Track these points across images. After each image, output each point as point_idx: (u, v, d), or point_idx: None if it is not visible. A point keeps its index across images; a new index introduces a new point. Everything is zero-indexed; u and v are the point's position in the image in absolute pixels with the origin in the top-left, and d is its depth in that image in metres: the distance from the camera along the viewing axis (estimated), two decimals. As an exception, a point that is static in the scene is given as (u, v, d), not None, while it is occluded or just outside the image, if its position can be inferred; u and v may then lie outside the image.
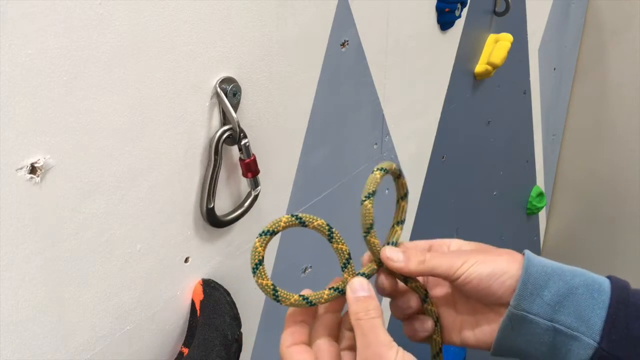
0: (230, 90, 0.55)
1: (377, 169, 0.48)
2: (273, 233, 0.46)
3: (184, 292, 0.59)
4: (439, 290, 0.53)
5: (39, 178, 0.43)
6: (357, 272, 0.48)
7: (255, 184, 0.61)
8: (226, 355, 0.55)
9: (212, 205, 0.57)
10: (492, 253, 0.50)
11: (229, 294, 0.59)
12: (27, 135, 0.42)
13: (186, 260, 0.58)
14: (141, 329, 0.55)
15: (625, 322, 0.46)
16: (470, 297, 0.50)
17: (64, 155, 0.44)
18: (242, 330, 0.59)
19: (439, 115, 1.01)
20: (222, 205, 0.60)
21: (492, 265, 0.48)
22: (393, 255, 0.49)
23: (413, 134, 0.95)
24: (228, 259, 0.63)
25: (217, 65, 0.55)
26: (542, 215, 1.73)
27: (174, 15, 0.49)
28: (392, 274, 0.50)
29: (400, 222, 0.52)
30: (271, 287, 0.46)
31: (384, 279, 0.50)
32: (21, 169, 0.42)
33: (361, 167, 0.83)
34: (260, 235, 0.45)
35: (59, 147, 0.44)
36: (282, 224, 0.45)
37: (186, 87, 0.52)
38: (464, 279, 0.48)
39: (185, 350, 0.58)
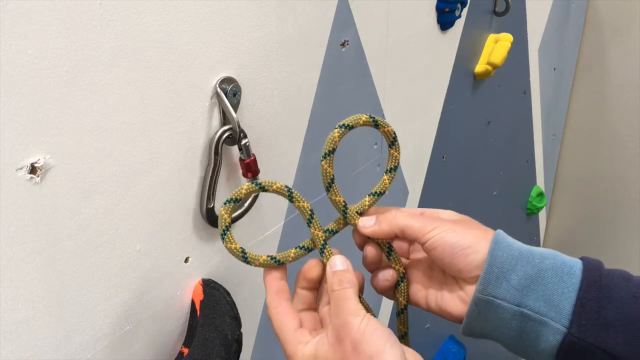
0: (230, 90, 0.55)
1: (338, 125, 0.49)
2: (236, 200, 0.49)
3: (184, 292, 0.59)
4: (419, 253, 0.54)
5: (39, 178, 0.43)
6: (323, 228, 0.50)
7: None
8: (226, 355, 0.55)
9: (212, 206, 0.57)
10: (469, 226, 0.50)
11: (229, 294, 0.59)
12: (27, 135, 0.42)
13: (186, 260, 0.58)
14: (141, 329, 0.55)
15: (597, 305, 0.44)
16: (437, 263, 0.50)
17: (64, 155, 0.44)
18: (242, 330, 0.59)
19: (439, 115, 1.01)
20: (222, 205, 0.60)
21: (460, 236, 0.48)
22: (365, 223, 0.51)
23: (413, 134, 0.95)
24: (228, 259, 0.63)
25: (217, 65, 0.55)
26: (542, 215, 1.73)
27: (174, 15, 0.49)
28: (357, 231, 0.52)
29: (390, 170, 0.53)
30: (240, 250, 0.49)
31: (354, 236, 0.53)
32: (21, 169, 0.42)
33: (361, 167, 0.83)
34: (225, 203, 0.48)
35: (59, 147, 0.44)
36: (243, 191, 0.49)
37: (186, 87, 0.52)
38: (431, 244, 0.48)
39: (185, 350, 0.58)
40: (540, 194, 1.60)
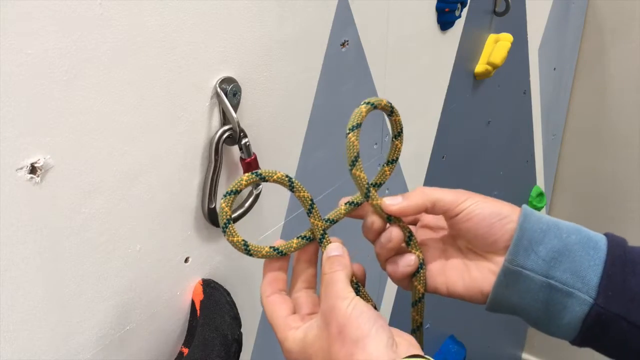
0: (230, 90, 0.55)
1: (364, 102, 0.49)
2: (236, 192, 0.48)
3: (184, 292, 0.59)
4: (430, 234, 0.54)
5: (39, 178, 0.43)
6: (322, 218, 0.50)
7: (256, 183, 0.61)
8: (226, 355, 0.55)
9: (213, 206, 0.57)
10: (497, 200, 0.50)
11: (229, 294, 0.59)
12: (27, 135, 0.42)
13: (186, 260, 0.58)
14: (141, 329, 0.55)
15: (622, 278, 0.45)
16: (466, 236, 0.49)
17: (64, 155, 0.44)
18: (242, 330, 0.59)
19: (439, 115, 1.01)
20: (222, 205, 0.60)
21: (495, 207, 0.48)
22: (392, 200, 0.49)
23: (413, 134, 0.95)
24: (228, 259, 0.63)
25: (217, 65, 0.55)
26: (542, 215, 1.73)
27: (174, 15, 0.49)
28: (378, 212, 0.50)
29: (392, 161, 0.53)
30: (242, 242, 0.49)
31: (373, 219, 0.50)
32: (21, 169, 0.42)
33: (361, 167, 0.83)
34: (225, 196, 0.48)
35: (59, 147, 0.44)
36: (243, 182, 0.48)
37: (186, 87, 0.52)
38: (466, 214, 0.48)
39: (185, 351, 0.58)
40: (540, 194, 1.60)
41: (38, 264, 0.45)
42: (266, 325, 0.72)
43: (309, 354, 0.44)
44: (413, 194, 0.50)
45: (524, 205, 0.49)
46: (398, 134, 0.52)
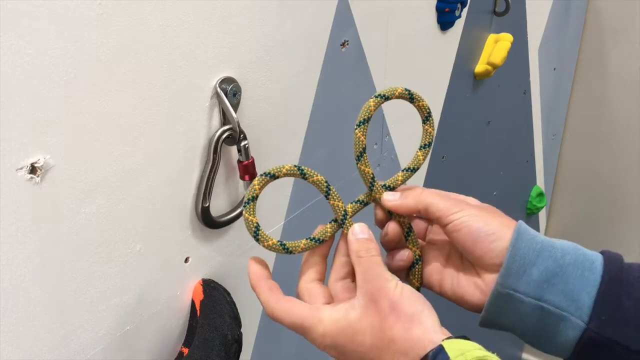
0: (230, 90, 0.55)
1: (374, 95, 0.49)
2: (273, 177, 0.48)
3: (184, 292, 0.59)
4: (437, 235, 0.54)
5: (39, 178, 0.43)
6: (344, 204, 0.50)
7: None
8: (226, 355, 0.55)
9: (207, 205, 0.57)
10: (493, 213, 0.49)
11: (229, 294, 0.59)
12: (27, 135, 0.42)
13: (186, 260, 0.58)
14: (141, 329, 0.55)
15: (617, 301, 0.44)
16: (457, 247, 0.50)
17: (64, 155, 0.44)
18: (242, 330, 0.59)
19: (439, 115, 1.01)
20: (220, 205, 0.60)
21: (484, 222, 0.48)
22: (389, 197, 0.51)
23: (413, 134, 0.95)
24: (228, 259, 0.63)
25: (217, 65, 0.55)
26: (542, 215, 1.73)
27: (174, 15, 0.49)
28: (381, 206, 0.52)
29: (424, 146, 0.53)
30: (255, 224, 0.48)
31: (376, 211, 0.52)
32: (21, 169, 0.42)
33: (361, 167, 0.83)
34: (245, 205, 0.47)
35: (59, 147, 0.44)
36: (284, 170, 0.48)
37: (186, 87, 0.52)
38: (454, 225, 0.48)
39: (185, 350, 0.58)
40: (540, 194, 1.60)
41: (38, 264, 0.45)
42: (266, 325, 0.72)
43: (355, 330, 0.43)
44: (411, 193, 0.50)
45: (520, 222, 0.48)
46: (426, 118, 0.52)
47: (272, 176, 0.48)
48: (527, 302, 0.46)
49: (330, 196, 0.49)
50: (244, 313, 0.61)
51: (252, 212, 0.47)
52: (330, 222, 0.50)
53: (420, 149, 0.53)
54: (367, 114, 0.48)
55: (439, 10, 0.90)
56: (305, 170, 0.49)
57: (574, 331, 0.45)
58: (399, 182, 0.52)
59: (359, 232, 0.48)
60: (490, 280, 0.48)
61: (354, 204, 0.51)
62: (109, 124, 0.47)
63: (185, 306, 0.59)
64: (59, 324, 0.48)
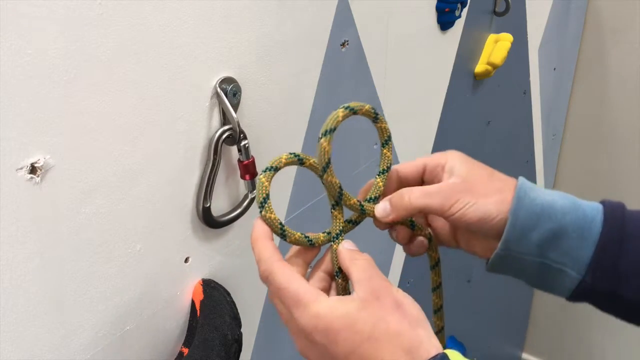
0: (230, 90, 0.55)
1: (343, 106, 0.47)
2: (276, 169, 0.47)
3: (184, 292, 0.59)
4: (437, 219, 0.56)
5: (39, 178, 0.43)
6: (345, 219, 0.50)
7: (252, 186, 0.60)
8: (226, 355, 0.55)
9: (208, 205, 0.57)
10: (487, 185, 0.51)
11: (229, 294, 0.59)
12: (27, 135, 0.42)
13: (186, 260, 0.58)
14: (141, 329, 0.55)
15: (612, 260, 0.48)
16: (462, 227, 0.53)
17: (64, 155, 0.44)
18: (242, 330, 0.59)
19: (439, 115, 1.01)
20: (221, 205, 0.60)
21: (484, 208, 0.49)
22: (381, 213, 0.51)
23: (413, 134, 0.95)
24: (228, 259, 0.63)
25: (217, 65, 0.55)
26: (542, 215, 1.72)
27: (174, 15, 0.49)
28: (355, 211, 0.51)
29: (383, 171, 0.51)
30: (279, 222, 0.47)
31: (377, 225, 0.53)
32: (21, 169, 0.42)
33: (361, 167, 0.83)
34: (264, 171, 0.46)
35: (59, 147, 0.44)
36: (283, 160, 0.47)
37: (186, 87, 0.52)
38: (453, 220, 0.49)
39: (185, 350, 0.58)
40: (540, 194, 1.60)
41: (38, 264, 0.45)
42: (266, 325, 0.72)
43: (355, 318, 0.42)
44: (399, 205, 0.50)
45: (519, 186, 0.50)
46: (386, 142, 0.50)
47: (275, 169, 0.47)
48: (528, 259, 0.49)
49: (342, 197, 0.49)
50: (244, 313, 0.61)
51: (269, 179, 0.46)
52: (322, 232, 0.49)
53: (378, 176, 0.51)
54: (334, 123, 0.46)
55: (439, 10, 0.90)
56: (301, 156, 0.48)
57: (572, 282, 0.49)
58: (381, 189, 0.51)
59: (350, 245, 0.48)
60: (495, 242, 0.50)
61: (345, 223, 0.50)
62: (109, 124, 0.47)
63: (185, 306, 0.59)
64: (59, 324, 0.48)
